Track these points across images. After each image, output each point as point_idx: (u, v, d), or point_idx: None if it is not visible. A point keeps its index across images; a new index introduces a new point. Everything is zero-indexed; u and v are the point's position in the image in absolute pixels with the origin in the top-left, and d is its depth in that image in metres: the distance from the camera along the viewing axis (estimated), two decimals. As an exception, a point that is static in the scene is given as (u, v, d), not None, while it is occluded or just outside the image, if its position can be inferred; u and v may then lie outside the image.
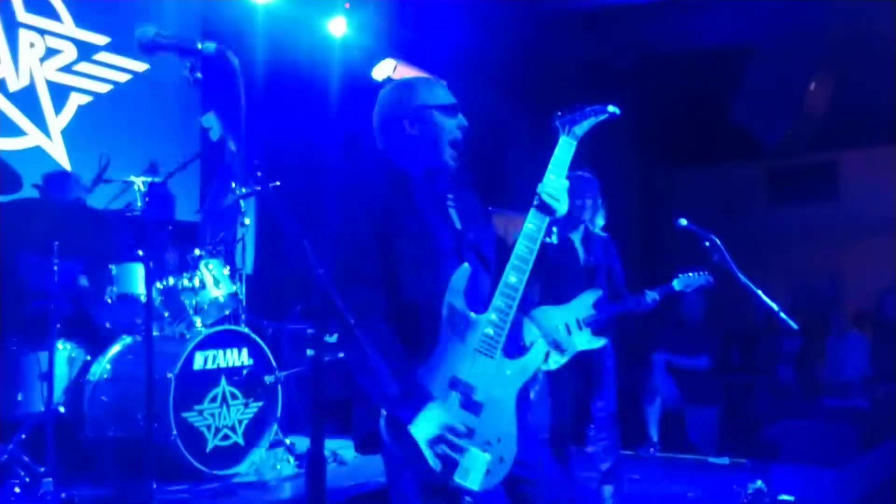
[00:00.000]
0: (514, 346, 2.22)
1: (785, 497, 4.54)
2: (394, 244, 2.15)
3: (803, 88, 7.22)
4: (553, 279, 4.11)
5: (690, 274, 4.08)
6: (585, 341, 3.99)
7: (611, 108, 2.33)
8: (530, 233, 2.23)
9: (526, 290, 2.22)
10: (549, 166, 2.28)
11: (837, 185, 9.98)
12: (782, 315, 4.24)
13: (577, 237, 4.14)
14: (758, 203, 10.43)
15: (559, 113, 2.33)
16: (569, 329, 3.99)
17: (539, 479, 2.26)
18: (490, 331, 2.13)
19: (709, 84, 7.49)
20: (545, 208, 2.24)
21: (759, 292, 3.92)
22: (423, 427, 2.01)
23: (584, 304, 4.02)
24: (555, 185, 2.25)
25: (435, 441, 2.01)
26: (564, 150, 2.30)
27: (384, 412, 2.06)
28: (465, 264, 2.16)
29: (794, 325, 4.25)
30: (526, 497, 2.23)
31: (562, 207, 2.25)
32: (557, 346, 3.94)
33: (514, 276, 2.17)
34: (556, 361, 3.98)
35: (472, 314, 2.13)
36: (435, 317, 2.12)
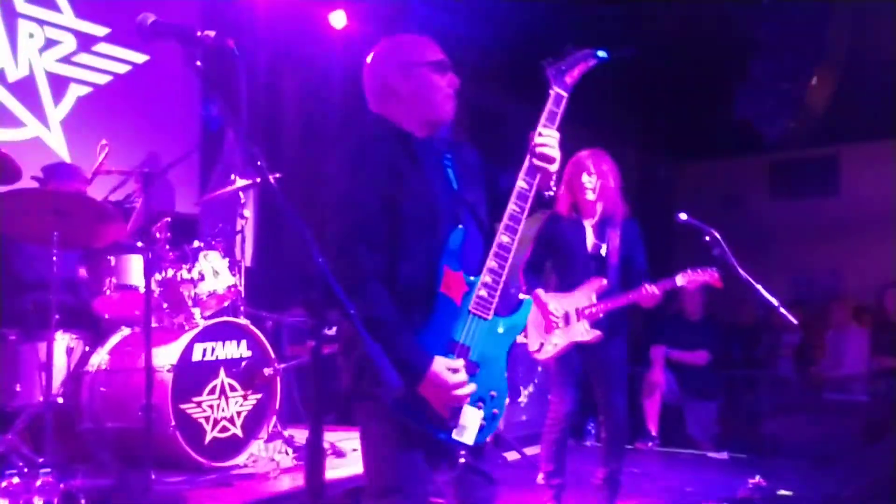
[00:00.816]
0: (506, 304, 2.25)
1: (784, 492, 4.54)
2: (397, 206, 2.14)
3: (805, 82, 7.21)
4: (561, 264, 4.10)
5: (696, 270, 4.02)
6: (580, 333, 3.94)
7: (600, 53, 2.27)
8: (521, 191, 2.21)
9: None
10: (541, 120, 2.23)
11: (838, 178, 9.97)
12: (782, 310, 4.24)
13: (588, 222, 4.05)
14: (758, 197, 10.42)
15: (546, 62, 2.26)
16: (567, 319, 3.96)
17: (486, 471, 2.28)
18: (484, 292, 2.16)
19: (711, 77, 7.47)
20: (537, 164, 2.20)
21: (759, 287, 3.92)
22: (427, 383, 2.05)
23: (585, 293, 3.97)
24: (544, 139, 2.20)
25: (438, 395, 2.06)
26: (555, 102, 2.24)
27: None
28: (460, 226, 2.18)
29: (794, 320, 4.25)
30: (469, 485, 2.25)
31: (553, 163, 2.21)
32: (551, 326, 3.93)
33: (506, 237, 2.19)
34: (548, 351, 3.96)
35: (467, 276, 2.16)
36: (432, 279, 2.14)
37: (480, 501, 2.28)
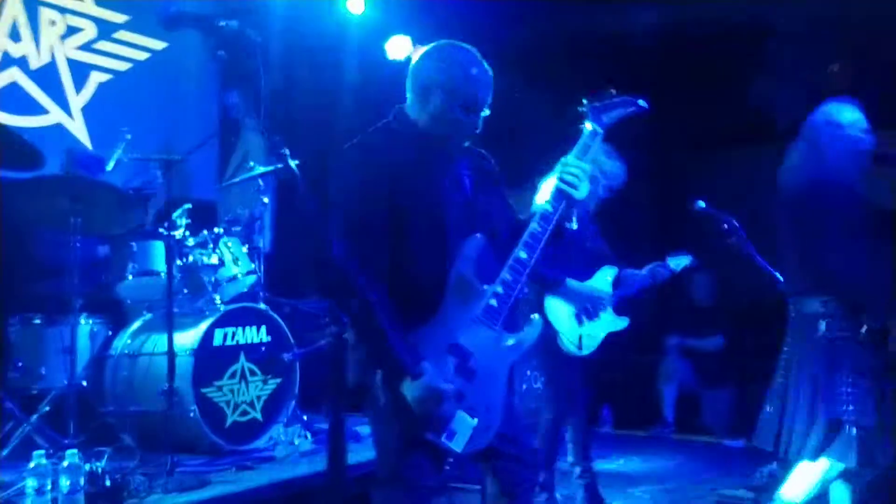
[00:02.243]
0: (515, 321, 2.26)
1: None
2: (404, 205, 2.15)
3: (824, 71, 7.14)
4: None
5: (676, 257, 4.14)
6: (610, 323, 3.95)
7: (641, 103, 2.32)
8: (546, 213, 2.23)
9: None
10: (574, 151, 2.27)
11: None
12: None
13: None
14: (775, 185, 10.33)
15: (587, 100, 2.32)
16: (589, 312, 3.93)
17: (521, 455, 2.31)
18: (494, 302, 2.16)
19: (728, 66, 7.41)
20: (562, 192, 2.24)
21: (777, 274, 3.91)
22: (413, 386, 2.05)
23: (602, 282, 3.96)
24: (574, 169, 2.23)
25: (422, 400, 2.05)
26: (589, 137, 2.29)
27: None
28: (479, 234, 2.20)
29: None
30: (505, 471, 2.29)
31: (580, 193, 2.23)
32: (590, 312, 3.89)
33: (525, 253, 2.21)
34: (589, 347, 3.92)
35: (480, 284, 2.17)
36: (439, 281, 2.15)
37: (518, 485, 2.30)
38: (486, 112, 2.30)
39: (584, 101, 2.31)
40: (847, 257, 3.01)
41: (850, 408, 2.97)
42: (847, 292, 3.05)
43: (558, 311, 3.87)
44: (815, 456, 3.07)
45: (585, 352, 3.91)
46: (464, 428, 2.11)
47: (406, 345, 2.08)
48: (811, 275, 3.13)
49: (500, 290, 2.17)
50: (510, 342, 2.22)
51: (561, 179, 2.23)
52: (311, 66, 6.33)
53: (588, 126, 2.30)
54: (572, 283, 3.89)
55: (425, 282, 2.16)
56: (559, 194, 2.23)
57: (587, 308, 3.90)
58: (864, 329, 3.00)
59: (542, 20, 6.72)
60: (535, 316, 2.30)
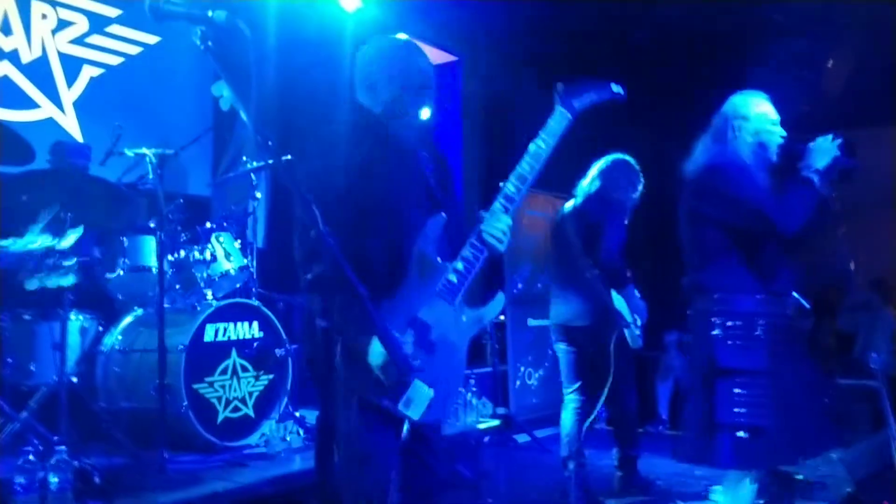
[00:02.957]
0: (477, 297, 2.32)
1: (797, 476, 4.53)
2: (368, 190, 2.22)
3: (821, 67, 7.13)
4: None
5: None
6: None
7: (615, 88, 2.34)
8: (508, 194, 2.30)
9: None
10: (541, 133, 2.31)
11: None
12: (795, 294, 4.22)
13: None
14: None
15: (560, 85, 2.33)
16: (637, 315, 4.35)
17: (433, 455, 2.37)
18: (453, 278, 2.23)
19: (725, 60, 7.40)
20: (486, 243, 2.27)
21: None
22: (376, 354, 2.08)
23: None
24: (500, 227, 2.27)
25: (385, 366, 2.08)
26: (558, 120, 2.31)
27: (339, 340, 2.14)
28: (442, 214, 2.27)
29: (807, 305, 4.23)
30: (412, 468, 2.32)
31: (502, 248, 2.29)
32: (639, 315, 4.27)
33: (470, 251, 2.27)
34: (636, 345, 4.32)
35: (440, 261, 2.25)
36: (402, 258, 2.23)
37: (418, 489, 2.33)
38: (430, 103, 2.38)
39: (557, 86, 2.32)
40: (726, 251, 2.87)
41: (743, 409, 2.76)
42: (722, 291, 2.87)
43: (623, 308, 4.23)
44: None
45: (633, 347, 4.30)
46: (420, 397, 2.16)
47: (367, 313, 2.09)
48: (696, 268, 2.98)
49: (459, 266, 2.24)
50: (468, 318, 2.29)
51: (486, 233, 2.27)
52: (305, 62, 6.30)
53: (558, 109, 2.32)
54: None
55: (388, 258, 2.23)
56: (482, 244, 2.27)
57: (636, 313, 4.29)
58: (760, 324, 2.80)
59: (538, 14, 6.70)
60: (500, 293, 2.37)
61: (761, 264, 2.85)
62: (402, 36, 2.46)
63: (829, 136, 2.89)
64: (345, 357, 2.15)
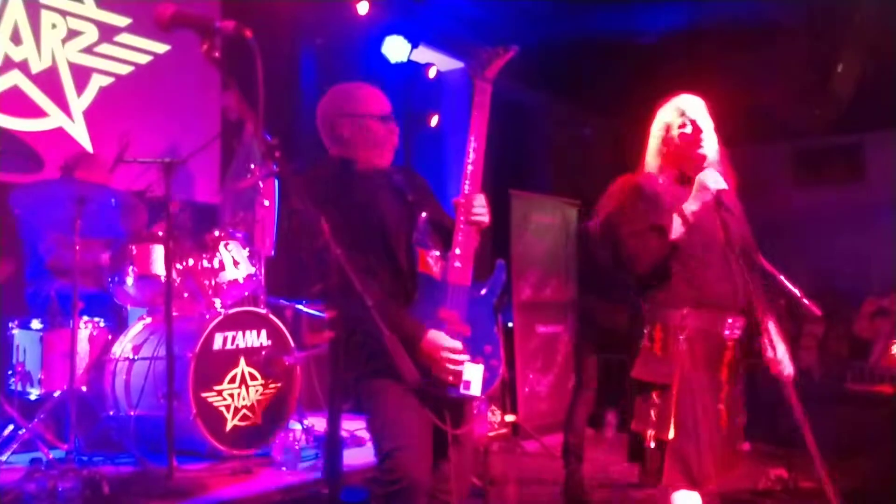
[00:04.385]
0: (481, 274, 2.55)
1: (806, 484, 4.50)
2: (354, 222, 2.44)
3: (831, 69, 7.10)
4: None
5: None
6: None
7: (511, 46, 2.57)
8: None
9: None
10: (472, 112, 2.53)
11: (864, 166, 9.83)
12: (805, 299, 4.18)
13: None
14: (783, 184, 10.28)
15: (465, 64, 2.54)
16: None
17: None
18: (458, 263, 2.46)
19: (734, 63, 7.37)
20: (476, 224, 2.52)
21: (781, 276, 3.87)
22: (427, 340, 2.36)
23: None
24: (478, 208, 2.49)
25: (440, 360, 2.36)
26: (480, 94, 2.55)
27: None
28: (424, 214, 2.50)
29: (817, 311, 4.19)
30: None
31: (486, 219, 2.52)
32: None
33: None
34: None
35: (438, 253, 2.49)
36: (408, 266, 2.46)
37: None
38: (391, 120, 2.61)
39: (464, 66, 2.57)
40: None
41: (653, 420, 2.73)
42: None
43: None
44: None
45: None
46: (475, 375, 2.40)
47: (406, 315, 2.39)
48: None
49: (458, 251, 2.47)
50: (484, 290, 2.54)
51: (471, 219, 2.49)
52: (315, 68, 6.33)
53: (476, 83, 2.55)
54: None
55: (398, 272, 2.47)
56: (470, 226, 2.49)
57: None
58: (681, 338, 2.75)
59: (545, 22, 6.70)
60: (500, 261, 2.60)
61: (691, 276, 2.76)
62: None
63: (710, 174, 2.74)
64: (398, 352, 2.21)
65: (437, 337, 2.38)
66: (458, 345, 2.39)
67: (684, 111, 2.90)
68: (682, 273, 2.76)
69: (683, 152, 2.85)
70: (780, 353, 2.83)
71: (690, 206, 2.73)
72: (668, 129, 2.89)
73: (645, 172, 2.91)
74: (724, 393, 2.80)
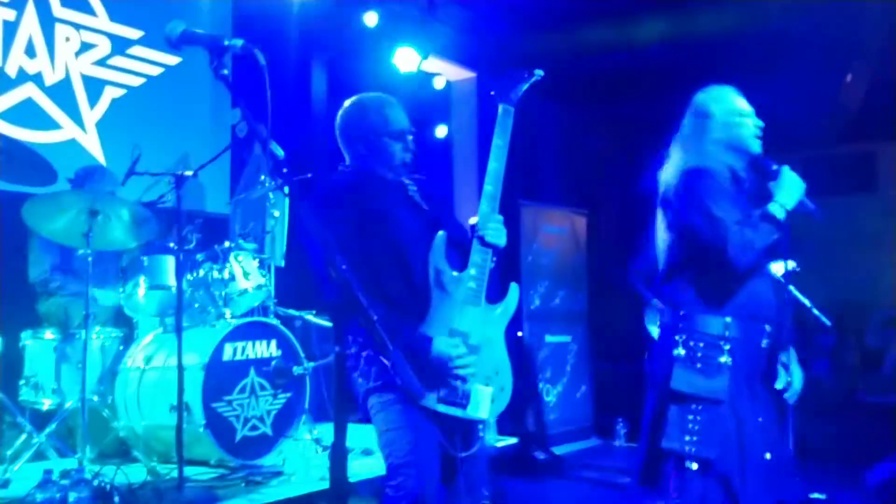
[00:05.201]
0: (494, 293, 2.53)
1: (817, 495, 4.48)
2: (373, 231, 2.44)
3: (840, 79, 7.08)
4: None
5: None
6: None
7: (537, 72, 2.58)
8: (479, 262, 2.48)
9: None
10: (496, 132, 2.53)
11: (875, 176, 9.79)
12: (815, 311, 4.17)
13: None
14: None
15: (493, 92, 2.57)
16: None
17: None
18: (472, 284, 2.45)
19: (744, 73, 7.37)
20: (490, 244, 2.50)
21: (791, 288, 3.86)
22: (433, 345, 2.34)
23: None
24: (494, 226, 2.48)
25: (442, 360, 2.34)
26: (504, 116, 2.55)
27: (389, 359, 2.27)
28: (442, 232, 2.47)
29: (828, 322, 4.18)
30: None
31: (503, 242, 2.51)
32: None
33: (479, 255, 2.48)
34: None
35: (455, 272, 2.45)
36: (423, 282, 2.43)
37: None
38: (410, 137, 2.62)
39: (492, 93, 2.57)
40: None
41: (694, 439, 2.52)
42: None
43: None
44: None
45: None
46: (483, 397, 2.39)
47: (413, 329, 2.37)
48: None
49: (473, 272, 2.45)
50: (497, 311, 2.52)
51: (487, 236, 2.47)
52: (328, 84, 6.36)
53: (500, 107, 2.55)
54: None
55: (412, 287, 2.44)
56: (486, 246, 2.48)
57: None
58: (726, 347, 2.56)
59: (556, 33, 6.71)
60: (513, 284, 2.55)
61: (733, 283, 2.61)
62: (373, 94, 2.70)
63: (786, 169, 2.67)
64: (401, 368, 2.26)
65: (446, 348, 2.35)
66: (466, 355, 2.37)
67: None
68: (722, 279, 2.61)
69: (748, 145, 2.75)
70: (798, 381, 2.72)
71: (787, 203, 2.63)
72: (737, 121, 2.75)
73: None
74: (768, 407, 2.62)
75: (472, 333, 2.42)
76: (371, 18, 6.23)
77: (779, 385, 2.66)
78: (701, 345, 2.56)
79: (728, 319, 2.57)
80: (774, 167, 2.73)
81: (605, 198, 7.96)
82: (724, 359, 2.54)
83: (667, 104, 3.15)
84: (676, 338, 2.59)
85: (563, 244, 6.78)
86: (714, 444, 2.49)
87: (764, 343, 2.62)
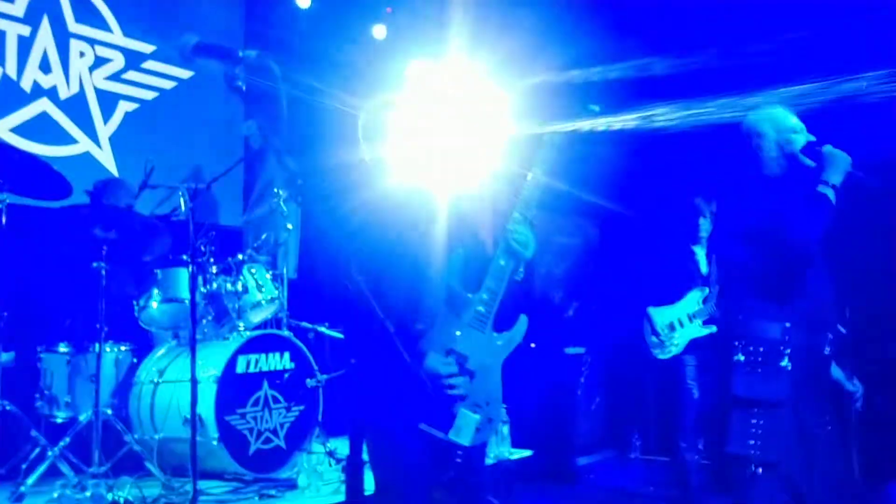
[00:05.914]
0: (503, 321, 2.45)
1: None
2: (394, 236, 2.34)
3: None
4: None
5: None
6: (697, 330, 4.16)
7: (592, 107, 2.52)
8: (499, 268, 2.40)
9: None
10: (533, 168, 2.46)
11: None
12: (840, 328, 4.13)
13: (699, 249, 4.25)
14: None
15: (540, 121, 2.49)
16: (677, 324, 4.21)
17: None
18: (482, 308, 2.37)
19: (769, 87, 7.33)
20: (514, 252, 2.40)
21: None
22: (427, 361, 2.27)
23: (692, 300, 4.18)
24: (523, 234, 2.39)
25: (438, 379, 2.26)
26: (548, 150, 2.48)
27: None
28: (459, 249, 2.41)
29: (843, 330, 4.13)
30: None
31: (529, 253, 2.41)
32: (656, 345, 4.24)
33: (504, 260, 2.40)
34: (670, 352, 4.22)
35: (467, 294, 2.38)
36: (436, 290, 2.35)
37: None
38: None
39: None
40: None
41: (758, 442, 2.55)
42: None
43: None
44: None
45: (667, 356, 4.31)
46: (468, 423, 2.30)
47: (409, 343, 2.29)
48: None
49: (485, 296, 2.37)
50: (500, 342, 2.44)
51: (513, 240, 2.39)
52: (336, 91, 6.37)
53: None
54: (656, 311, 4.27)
55: (419, 297, 2.36)
56: (511, 253, 2.40)
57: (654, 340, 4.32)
58: (787, 353, 2.59)
59: (563, 42, 6.71)
60: (522, 316, 2.46)
61: (791, 290, 2.64)
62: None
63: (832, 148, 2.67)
64: (393, 388, 2.25)
65: (437, 365, 2.28)
66: (457, 376, 2.29)
67: None
68: (782, 285, 2.65)
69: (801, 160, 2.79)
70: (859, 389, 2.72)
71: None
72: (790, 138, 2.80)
73: None
74: (831, 414, 2.64)
75: (472, 358, 2.35)
76: (379, 31, 6.25)
77: (851, 388, 2.67)
78: (761, 349, 2.58)
79: (787, 325, 2.59)
80: (818, 149, 2.72)
81: (619, 208, 7.94)
82: (784, 363, 2.55)
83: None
84: (735, 343, 2.61)
85: (576, 254, 6.75)
86: (777, 448, 2.51)
87: (826, 350, 2.63)
